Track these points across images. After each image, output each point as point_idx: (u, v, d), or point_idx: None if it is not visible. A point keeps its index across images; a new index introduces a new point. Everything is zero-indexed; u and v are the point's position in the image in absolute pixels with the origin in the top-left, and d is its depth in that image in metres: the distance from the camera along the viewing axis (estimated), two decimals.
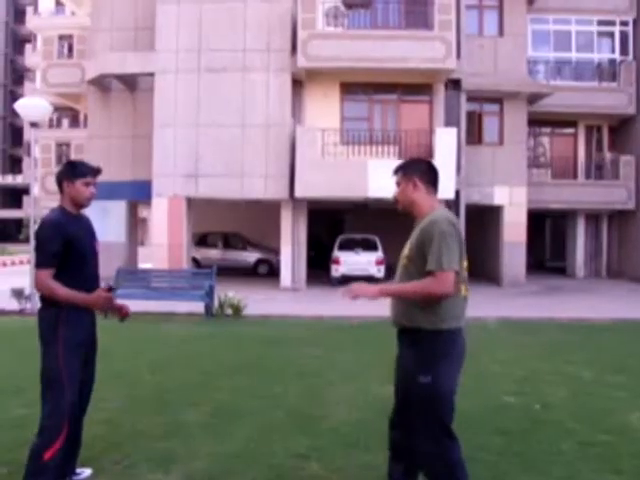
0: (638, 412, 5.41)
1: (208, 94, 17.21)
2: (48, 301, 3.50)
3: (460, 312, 3.22)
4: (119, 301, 3.74)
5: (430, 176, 3.37)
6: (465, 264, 3.26)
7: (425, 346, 3.17)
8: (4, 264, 26.88)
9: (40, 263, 3.42)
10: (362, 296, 3.22)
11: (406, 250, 3.31)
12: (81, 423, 3.69)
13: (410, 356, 3.25)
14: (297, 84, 17.64)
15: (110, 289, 3.53)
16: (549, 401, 5.73)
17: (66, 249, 3.44)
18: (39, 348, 3.53)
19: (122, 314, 3.73)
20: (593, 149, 22.37)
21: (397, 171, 3.43)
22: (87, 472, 3.79)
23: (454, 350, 3.20)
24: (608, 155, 22.13)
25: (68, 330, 3.46)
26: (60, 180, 3.63)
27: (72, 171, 3.62)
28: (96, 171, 3.69)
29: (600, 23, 21.48)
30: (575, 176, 21.86)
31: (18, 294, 12.04)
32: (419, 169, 3.38)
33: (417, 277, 3.16)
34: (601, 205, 21.23)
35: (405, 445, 3.38)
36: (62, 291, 3.42)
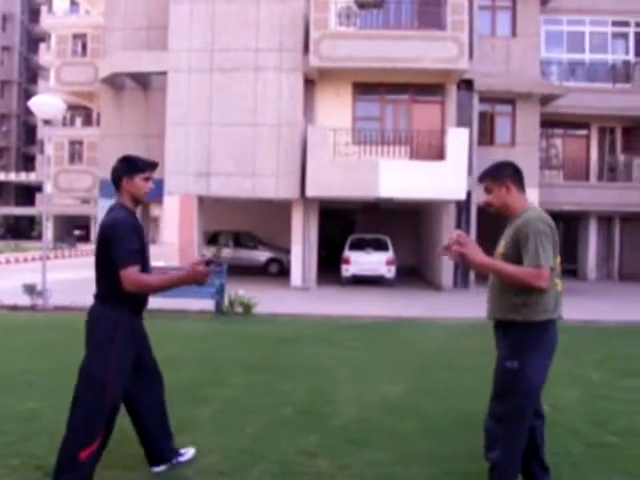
0: None
1: (220, 93, 17.28)
2: (110, 301, 3.44)
3: (552, 305, 3.34)
4: None
5: (519, 177, 3.56)
6: (558, 260, 3.39)
7: (516, 335, 3.34)
8: (17, 260, 27.08)
9: (125, 261, 3.32)
10: (466, 257, 3.25)
11: (501, 248, 3.48)
12: (167, 421, 3.89)
13: (503, 346, 3.42)
14: (309, 84, 17.67)
15: (208, 262, 3.38)
16: (558, 402, 5.71)
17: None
18: (86, 347, 3.47)
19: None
20: (606, 151, 22.24)
21: (485, 178, 3.57)
22: (191, 452, 4.03)
23: (544, 341, 3.36)
24: (621, 157, 22.01)
25: (126, 333, 3.44)
26: (119, 177, 3.55)
27: (131, 167, 3.55)
28: (154, 165, 3.64)
29: (614, 24, 21.37)
30: (587, 178, 21.77)
31: (30, 290, 12.13)
32: (509, 173, 3.55)
33: None
34: (614, 207, 21.10)
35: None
36: (155, 279, 3.39)
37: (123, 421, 3.85)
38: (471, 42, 17.30)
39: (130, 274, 3.30)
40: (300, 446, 4.38)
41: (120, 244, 3.33)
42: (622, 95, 20.91)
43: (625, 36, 21.55)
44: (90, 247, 36.97)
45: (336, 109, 17.80)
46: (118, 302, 3.41)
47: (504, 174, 3.52)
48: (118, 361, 3.40)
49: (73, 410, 3.41)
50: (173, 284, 3.42)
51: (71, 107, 24.76)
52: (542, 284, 3.18)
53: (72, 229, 53.11)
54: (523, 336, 3.32)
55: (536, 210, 3.43)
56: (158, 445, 3.85)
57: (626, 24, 21.39)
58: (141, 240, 3.47)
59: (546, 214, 3.40)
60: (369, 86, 18.16)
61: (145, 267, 3.50)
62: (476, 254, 3.27)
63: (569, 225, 25.25)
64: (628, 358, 8.33)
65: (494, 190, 3.52)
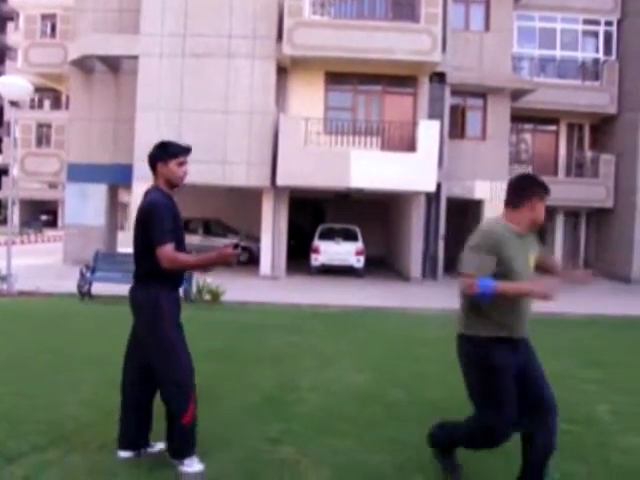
0: (605, 404, 5.54)
1: (192, 79, 17.10)
2: (149, 281, 3.62)
3: None
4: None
5: None
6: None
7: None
8: None
9: (162, 240, 3.50)
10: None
11: (532, 262, 3.50)
12: (152, 404, 3.85)
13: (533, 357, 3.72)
14: (282, 72, 17.58)
15: (236, 246, 3.52)
16: None
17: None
18: (138, 328, 3.70)
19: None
20: (574, 147, 22.59)
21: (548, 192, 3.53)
22: (160, 446, 3.89)
23: None
24: (589, 153, 22.37)
25: (170, 307, 3.64)
26: (154, 162, 3.77)
27: (165, 152, 3.76)
28: (188, 150, 3.81)
29: (585, 22, 21.64)
30: (556, 173, 22.09)
31: None
32: None
33: None
34: (580, 203, 21.47)
35: None
36: (190, 258, 3.61)
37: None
38: (444, 35, 17.38)
39: (166, 251, 3.48)
40: (265, 433, 4.41)
41: (156, 224, 3.53)
42: (591, 92, 21.25)
43: (595, 34, 21.85)
44: (57, 233, 36.42)
45: (308, 98, 17.75)
46: (156, 281, 3.60)
47: None
48: (174, 331, 3.62)
49: (161, 387, 3.63)
50: (205, 263, 3.60)
51: (39, 89, 24.23)
52: None
53: (39, 214, 52.25)
54: None
55: None
56: (138, 432, 3.85)
57: (596, 23, 21.68)
58: (176, 221, 3.65)
59: None
60: (342, 76, 18.13)
61: (180, 247, 3.65)
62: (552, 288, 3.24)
63: None
64: (590, 350, 8.53)
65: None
